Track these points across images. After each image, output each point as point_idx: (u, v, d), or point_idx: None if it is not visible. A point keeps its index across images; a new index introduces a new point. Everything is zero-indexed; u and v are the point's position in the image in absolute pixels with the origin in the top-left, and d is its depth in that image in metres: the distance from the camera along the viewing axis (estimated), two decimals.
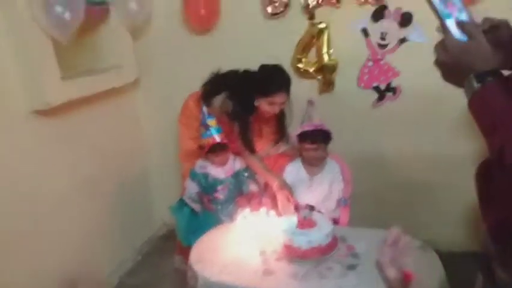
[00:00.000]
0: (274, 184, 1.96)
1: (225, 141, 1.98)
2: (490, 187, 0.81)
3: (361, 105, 2.36)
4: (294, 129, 2.16)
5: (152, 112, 2.74)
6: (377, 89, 2.31)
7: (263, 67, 2.01)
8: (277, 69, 1.98)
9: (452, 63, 0.76)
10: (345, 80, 2.33)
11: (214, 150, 2.00)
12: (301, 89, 2.28)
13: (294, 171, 2.08)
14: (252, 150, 2.05)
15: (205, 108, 1.99)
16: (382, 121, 2.36)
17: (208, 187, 2.06)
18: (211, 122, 1.97)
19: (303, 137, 1.96)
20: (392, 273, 0.76)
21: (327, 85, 2.35)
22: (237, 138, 2.05)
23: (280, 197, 1.90)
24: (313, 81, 2.37)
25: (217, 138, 1.96)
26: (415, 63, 2.18)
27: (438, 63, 0.79)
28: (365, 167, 2.39)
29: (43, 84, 1.78)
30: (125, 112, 2.60)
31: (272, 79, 1.94)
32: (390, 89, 2.29)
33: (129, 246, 2.62)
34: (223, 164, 2.05)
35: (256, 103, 1.98)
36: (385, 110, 2.33)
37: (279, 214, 1.81)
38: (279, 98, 1.94)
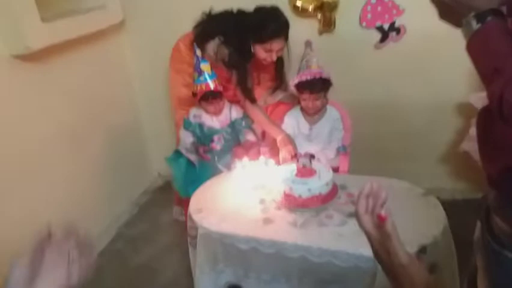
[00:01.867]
0: (278, 138, 1.98)
1: (219, 88, 1.98)
2: (490, 135, 0.81)
3: (363, 46, 2.33)
4: (293, 74, 2.15)
5: (140, 56, 2.69)
6: (380, 28, 2.27)
7: (258, 10, 1.95)
8: (273, 13, 1.93)
9: (450, 0, 0.73)
10: (347, 18, 2.28)
11: (206, 98, 1.99)
12: (300, 29, 2.23)
13: (293, 121, 2.10)
14: (253, 100, 2.05)
15: (198, 51, 1.96)
16: (385, 63, 2.34)
17: (203, 137, 2.08)
18: (205, 66, 1.95)
19: (301, 86, 1.96)
20: (367, 220, 0.79)
21: (327, 24, 2.30)
22: (235, 87, 2.04)
23: (284, 153, 1.93)
24: (312, 20, 2.32)
25: (211, 85, 1.95)
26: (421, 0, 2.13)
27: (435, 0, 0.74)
28: (366, 112, 2.40)
29: (22, 27, 1.73)
30: (111, 57, 2.54)
31: (267, 25, 1.90)
32: (394, 28, 2.25)
33: (125, 198, 2.68)
34: (217, 113, 2.06)
35: (252, 49, 1.95)
36: (388, 51, 2.30)
37: (277, 163, 1.84)
38: (275, 45, 1.92)
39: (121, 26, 2.53)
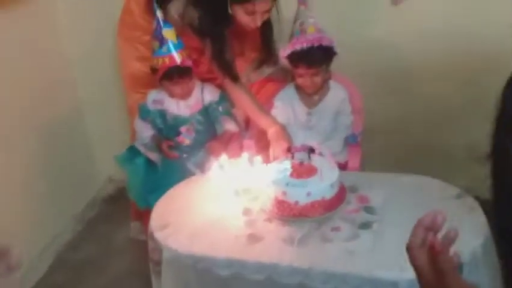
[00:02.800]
0: (270, 131, 1.97)
1: (188, 63, 1.96)
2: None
3: (375, 1, 2.33)
4: (285, 43, 2.12)
5: (80, 22, 2.66)
6: None
7: None
8: None
9: None
10: None
11: (171, 77, 1.97)
12: None
13: (286, 104, 2.09)
14: (235, 77, 2.03)
15: (159, 13, 1.94)
16: (406, 23, 2.34)
17: (167, 129, 2.07)
18: (169, 33, 1.93)
19: (296, 58, 1.94)
20: (421, 254, 0.81)
21: None
22: (210, 61, 2.03)
23: (276, 151, 1.92)
24: None
25: (177, 57, 1.93)
26: None
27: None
28: (381, 89, 2.40)
29: None
30: (41, 24, 2.52)
31: None
32: None
33: (65, 214, 2.66)
34: (185, 96, 2.04)
35: (230, 11, 1.92)
36: (408, 8, 2.30)
37: (267, 160, 1.84)
38: (260, 5, 1.87)
39: None
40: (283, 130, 1.98)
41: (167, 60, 1.93)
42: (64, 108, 2.70)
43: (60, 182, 2.60)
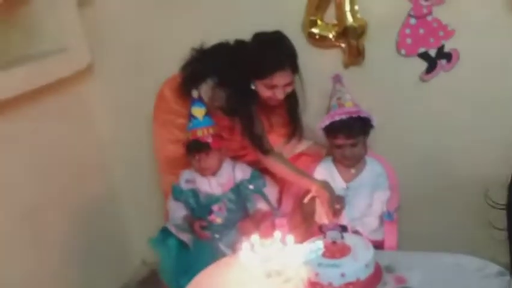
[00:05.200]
0: (314, 188, 1.98)
1: (207, 139, 1.99)
2: None
3: (404, 80, 2.36)
4: (312, 119, 2.16)
5: (113, 109, 2.74)
6: (425, 55, 2.30)
7: (257, 37, 2.02)
8: (274, 38, 1.99)
9: None
10: (379, 46, 2.32)
11: (189, 150, 2.03)
12: (319, 63, 2.28)
13: (326, 176, 2.09)
14: (267, 150, 2.07)
15: (195, 93, 2.02)
16: (435, 99, 2.35)
17: (199, 208, 2.09)
18: (197, 110, 2.01)
19: (334, 129, 1.98)
20: None
21: (355, 55, 2.34)
22: (242, 137, 2.08)
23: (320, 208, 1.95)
24: (334, 50, 2.37)
25: (199, 132, 1.99)
26: (476, 16, 2.17)
27: None
28: (414, 166, 2.39)
29: None
30: (75, 111, 2.60)
31: (267, 54, 1.95)
32: (443, 54, 2.28)
33: None
34: (206, 171, 2.06)
35: (253, 87, 2.00)
36: (438, 84, 2.32)
37: (299, 240, 1.81)
38: (279, 79, 1.95)
39: (88, 71, 2.59)
40: (326, 184, 1.98)
41: (190, 135, 2.00)
42: (99, 189, 2.73)
43: (92, 267, 2.59)
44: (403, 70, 2.34)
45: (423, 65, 2.31)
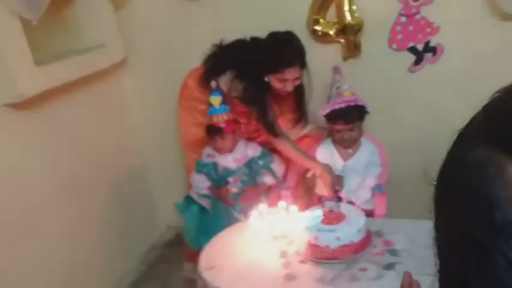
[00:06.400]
0: (318, 171, 1.97)
1: (221, 124, 2.00)
2: None
3: (395, 71, 2.33)
4: (315, 106, 2.15)
5: (145, 96, 2.76)
6: (413, 49, 2.27)
7: (271, 36, 2.01)
8: (287, 39, 1.98)
9: None
10: (374, 41, 2.30)
11: (207, 133, 2.05)
12: (322, 56, 2.25)
13: (327, 155, 2.09)
14: (277, 133, 2.07)
15: (213, 83, 2.02)
16: (422, 88, 2.32)
17: (218, 179, 2.10)
18: (214, 99, 2.01)
19: (334, 116, 1.97)
20: None
21: (352, 49, 2.32)
22: (257, 123, 2.08)
23: (322, 184, 1.94)
24: (335, 45, 2.35)
25: (215, 118, 2.00)
26: (458, 15, 2.14)
27: None
28: (403, 148, 2.36)
29: (14, 73, 1.79)
30: (112, 99, 2.62)
31: (280, 52, 1.94)
32: (429, 48, 2.25)
33: (131, 256, 2.68)
34: (222, 150, 2.08)
35: (266, 79, 2.00)
36: (425, 75, 2.29)
37: (301, 209, 1.82)
38: (289, 74, 1.95)
39: (123, 64, 2.61)
40: (328, 168, 1.97)
41: (208, 120, 2.03)
42: (132, 166, 2.75)
43: (126, 229, 2.63)
44: (394, 62, 2.31)
45: (411, 58, 2.29)
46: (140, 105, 2.78)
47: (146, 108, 2.78)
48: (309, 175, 2.07)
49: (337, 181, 1.96)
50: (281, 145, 2.08)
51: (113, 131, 2.61)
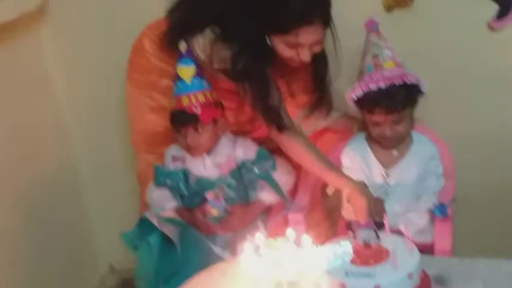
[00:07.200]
0: (346, 191, 1.95)
1: (196, 110, 1.99)
2: None
3: (466, 28, 2.36)
4: (343, 84, 2.15)
5: (72, 63, 2.76)
6: None
7: None
8: None
9: None
10: None
11: (172, 123, 2.05)
12: (355, 6, 2.28)
13: (358, 160, 2.11)
14: (283, 126, 2.07)
15: (182, 46, 2.02)
16: (508, 56, 2.35)
17: (190, 195, 2.11)
18: (182, 70, 2.01)
19: (370, 102, 1.97)
20: None
21: None
22: (252, 109, 2.10)
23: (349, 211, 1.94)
24: None
25: (185, 100, 2.00)
26: None
27: None
28: (479, 149, 2.41)
29: None
30: (25, 63, 2.63)
31: (289, 2, 1.89)
32: None
33: None
34: (196, 151, 2.08)
35: (269, 43, 1.98)
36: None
37: (319, 241, 1.82)
38: (306, 36, 1.92)
39: (41, 14, 2.62)
40: (363, 187, 1.95)
41: (175, 102, 2.02)
42: (55, 168, 2.77)
43: (50, 274, 2.65)
44: (465, 14, 2.34)
45: (493, 8, 2.31)
46: (67, 76, 2.79)
47: (75, 80, 2.79)
48: (329, 191, 2.07)
49: (376, 207, 1.93)
50: (289, 144, 2.09)
51: (27, 111, 2.61)
